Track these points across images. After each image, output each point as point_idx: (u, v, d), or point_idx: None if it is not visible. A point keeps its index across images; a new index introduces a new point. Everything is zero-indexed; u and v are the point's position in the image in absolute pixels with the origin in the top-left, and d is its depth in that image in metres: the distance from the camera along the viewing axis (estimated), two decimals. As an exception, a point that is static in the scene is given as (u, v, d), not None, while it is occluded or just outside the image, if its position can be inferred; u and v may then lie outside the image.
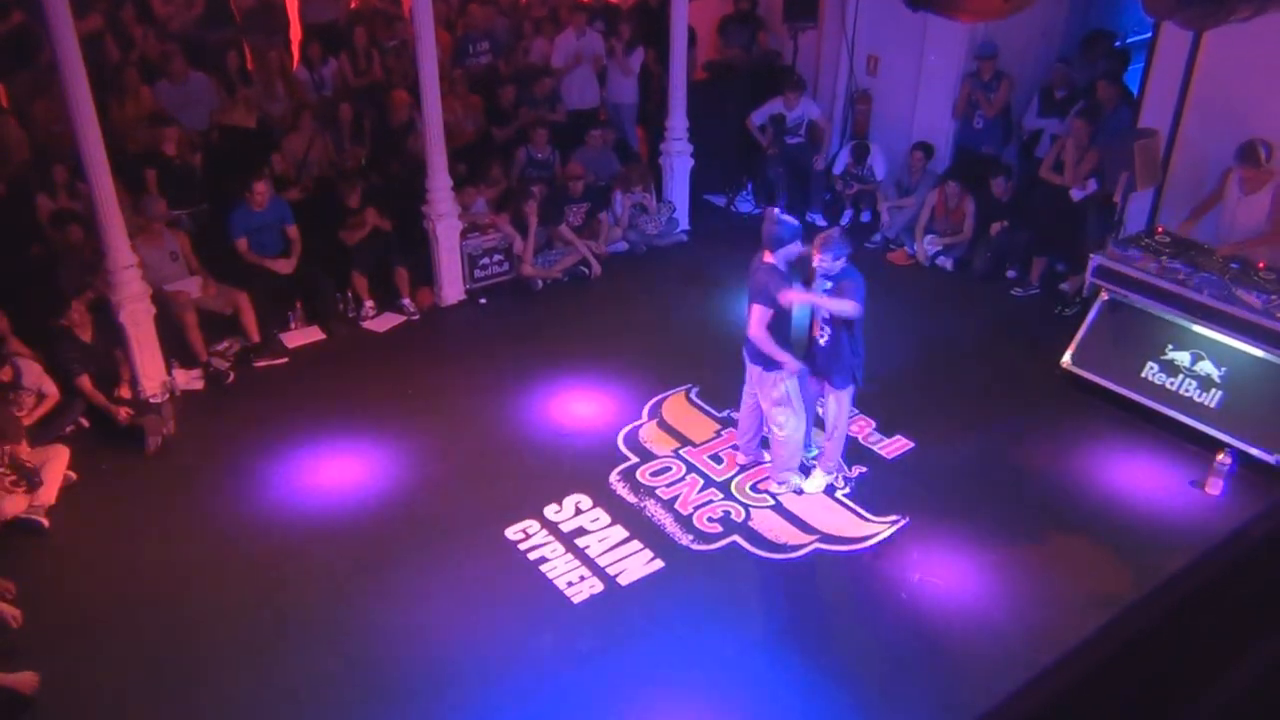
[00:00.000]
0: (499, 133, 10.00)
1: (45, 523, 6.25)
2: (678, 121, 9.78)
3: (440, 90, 8.27)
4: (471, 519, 6.35)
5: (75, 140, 6.76)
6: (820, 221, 10.30)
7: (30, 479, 6.21)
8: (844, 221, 10.23)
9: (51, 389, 6.94)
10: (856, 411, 6.86)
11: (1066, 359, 7.55)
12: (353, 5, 10.96)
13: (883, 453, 6.95)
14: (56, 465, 6.49)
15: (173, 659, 5.36)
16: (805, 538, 6.21)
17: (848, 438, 6.70)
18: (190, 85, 9.24)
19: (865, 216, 10.26)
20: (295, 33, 10.66)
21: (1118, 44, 9.74)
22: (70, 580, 5.93)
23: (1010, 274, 9.13)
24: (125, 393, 7.26)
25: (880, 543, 6.17)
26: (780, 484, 6.55)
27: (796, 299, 6.02)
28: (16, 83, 8.93)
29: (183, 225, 8.36)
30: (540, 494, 6.52)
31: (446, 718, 5.04)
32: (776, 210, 6.21)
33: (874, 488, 6.61)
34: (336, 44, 10.12)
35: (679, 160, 9.93)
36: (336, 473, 6.76)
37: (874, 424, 7.20)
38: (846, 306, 5.92)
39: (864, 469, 6.78)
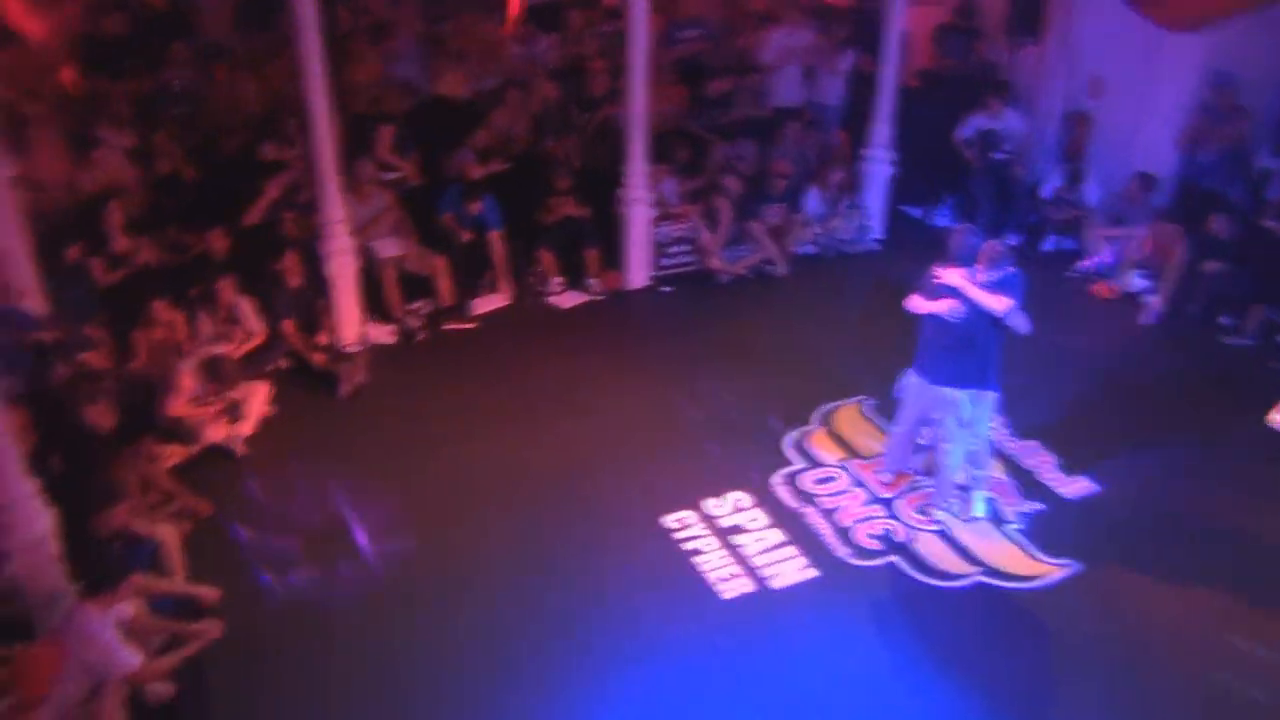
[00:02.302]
0: (697, 126, 10.04)
1: (240, 450, 6.69)
2: (882, 128, 9.59)
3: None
4: (630, 501, 6.42)
5: (304, 99, 7.15)
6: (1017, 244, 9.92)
7: (234, 412, 6.67)
8: (1046, 247, 9.82)
9: (258, 328, 7.44)
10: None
11: (1275, 415, 7.01)
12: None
13: (1062, 492, 6.64)
14: (257, 400, 6.95)
15: (335, 598, 5.65)
16: (968, 568, 6.00)
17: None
18: (403, 49, 9.67)
19: (1070, 244, 9.80)
20: (513, 8, 10.95)
21: None
22: (255, 507, 6.31)
23: (1224, 320, 8.54)
24: (324, 339, 7.68)
25: (1048, 585, 5.90)
26: (944, 507, 6.37)
27: (954, 282, 5.81)
28: (255, 43, 9.53)
29: (396, 185, 8.76)
30: (701, 486, 6.53)
31: (582, 693, 5.11)
32: (969, 226, 6.06)
33: (1049, 527, 6.31)
34: (551, 24, 10.40)
35: (879, 168, 9.74)
36: (507, 440, 6.95)
37: (1056, 461, 6.89)
38: (1000, 303, 5.71)
39: (1040, 506, 6.49)
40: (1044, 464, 6.87)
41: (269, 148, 8.59)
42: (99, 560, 4.94)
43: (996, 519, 6.36)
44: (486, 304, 8.60)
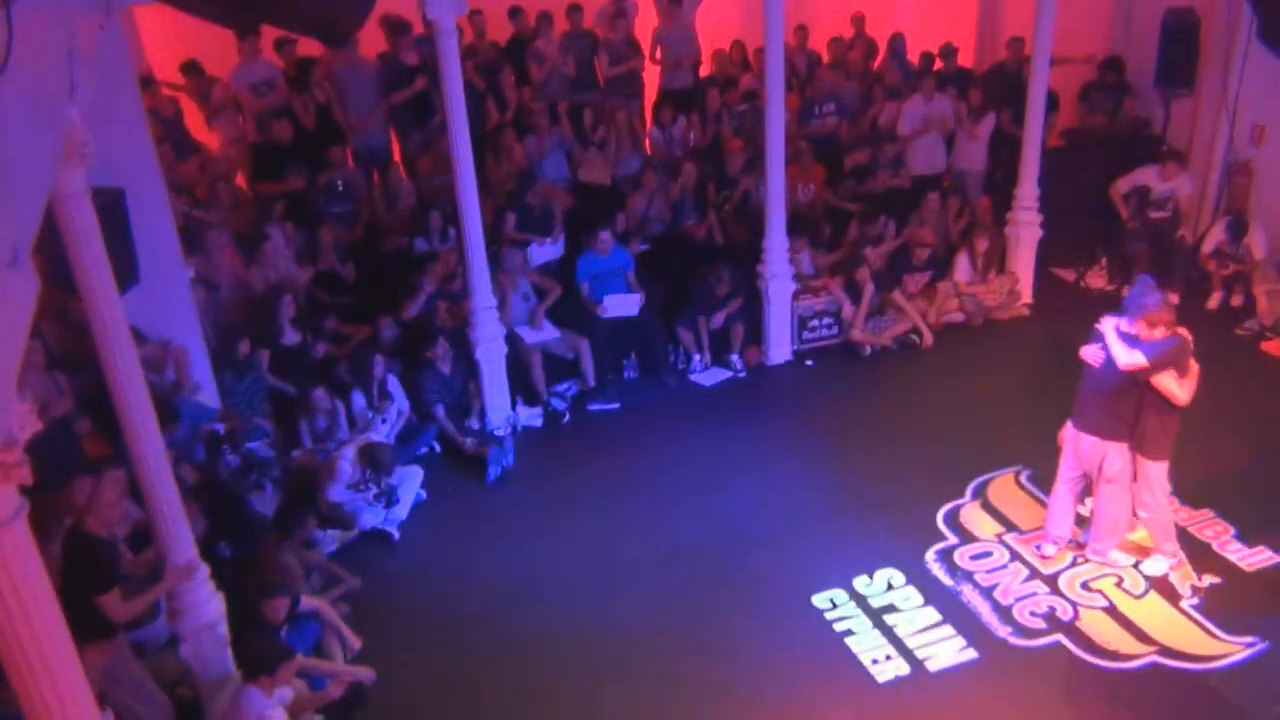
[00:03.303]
0: (835, 198, 10.04)
1: (396, 535, 6.91)
2: (1028, 189, 9.35)
3: (785, 155, 8.39)
4: (779, 580, 6.32)
5: (454, 190, 7.47)
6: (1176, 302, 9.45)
7: (390, 497, 6.90)
8: (1212, 305, 9.34)
9: (405, 406, 7.73)
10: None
11: None
12: (703, 74, 11.39)
13: (1242, 564, 6.21)
14: (411, 484, 7.18)
15: (487, 675, 5.73)
16: (1141, 648, 5.65)
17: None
18: (554, 140, 10.01)
19: (1238, 300, 9.28)
20: (650, 96, 11.23)
21: None
22: (409, 589, 6.51)
23: None
24: (474, 423, 7.89)
25: (1231, 664, 5.50)
26: (1096, 556, 6.15)
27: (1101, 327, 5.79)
28: (410, 140, 10.04)
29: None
30: (851, 564, 6.38)
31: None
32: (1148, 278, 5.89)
33: (1229, 602, 5.91)
34: (688, 106, 10.61)
35: (1026, 230, 9.48)
36: (652, 520, 6.96)
37: (1234, 530, 6.46)
38: (1126, 355, 5.56)
39: (1218, 579, 6.08)
40: (1220, 534, 6.45)
41: (419, 241, 8.99)
42: (263, 642, 5.13)
43: (1170, 594, 5.99)
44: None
